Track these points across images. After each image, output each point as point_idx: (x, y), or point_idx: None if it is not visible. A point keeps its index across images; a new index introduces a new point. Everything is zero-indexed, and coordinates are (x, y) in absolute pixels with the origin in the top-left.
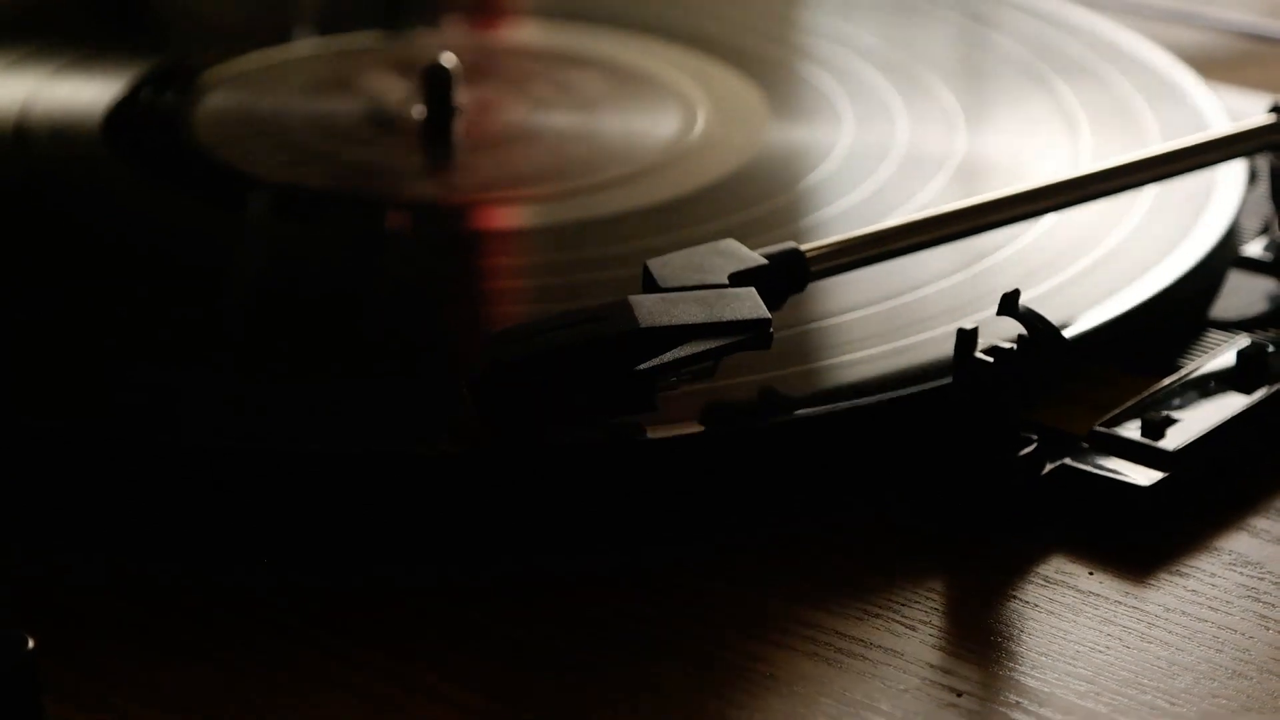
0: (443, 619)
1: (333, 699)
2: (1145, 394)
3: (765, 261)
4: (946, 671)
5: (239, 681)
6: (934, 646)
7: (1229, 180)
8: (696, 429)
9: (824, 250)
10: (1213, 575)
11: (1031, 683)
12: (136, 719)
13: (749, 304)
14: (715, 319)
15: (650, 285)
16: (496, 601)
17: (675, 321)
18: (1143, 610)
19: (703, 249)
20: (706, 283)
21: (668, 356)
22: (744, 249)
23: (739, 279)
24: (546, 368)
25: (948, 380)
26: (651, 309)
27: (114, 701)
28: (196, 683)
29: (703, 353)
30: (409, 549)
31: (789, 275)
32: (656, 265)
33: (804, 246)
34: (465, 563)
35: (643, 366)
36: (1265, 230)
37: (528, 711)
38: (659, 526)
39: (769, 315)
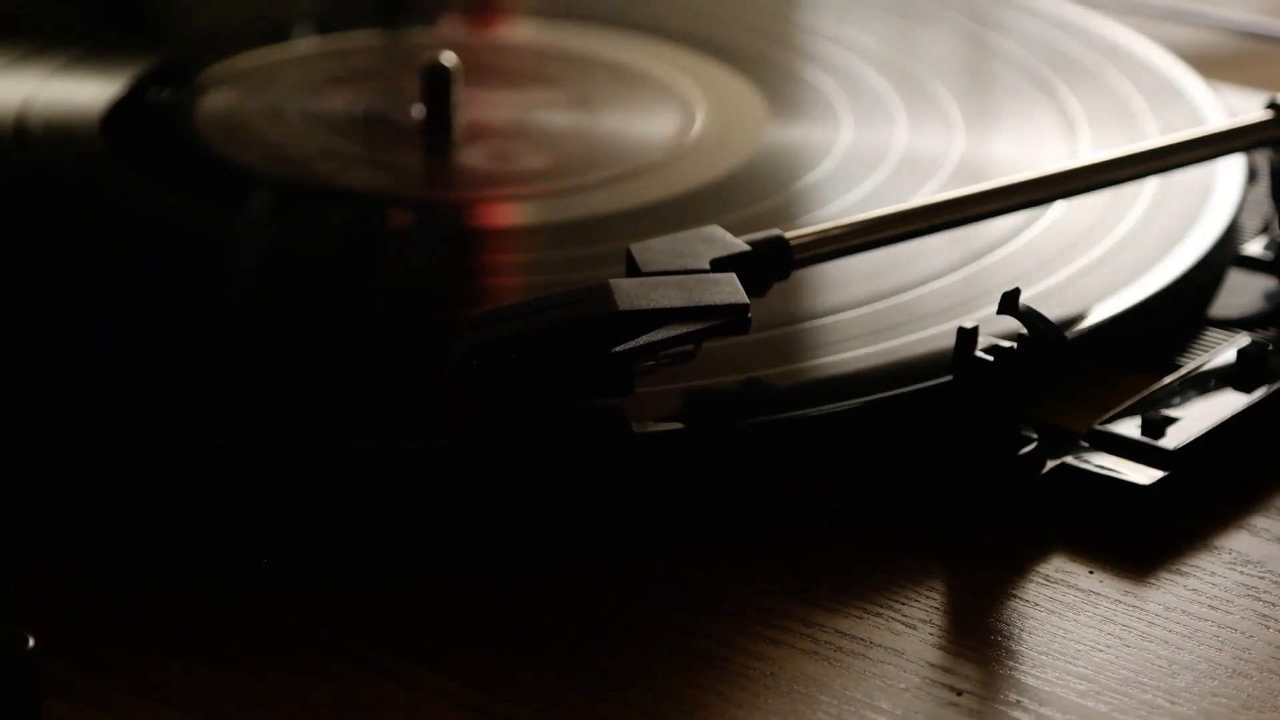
0: (440, 614)
1: (330, 694)
2: (1145, 393)
3: (748, 248)
4: (947, 670)
5: (238, 677)
6: (934, 645)
7: (1229, 178)
8: (694, 426)
9: (808, 238)
10: (1213, 574)
11: (1032, 681)
12: (136, 715)
13: (728, 289)
14: (693, 303)
15: (633, 269)
16: (489, 594)
17: (653, 305)
18: (1143, 609)
19: (686, 234)
20: (687, 268)
21: (644, 339)
22: (728, 235)
23: (721, 265)
24: (525, 349)
25: (948, 378)
26: (631, 292)
27: (113, 698)
28: (195, 679)
29: (680, 336)
30: (405, 544)
31: (773, 262)
32: (639, 250)
33: (789, 234)
34: (465, 557)
35: (619, 349)
36: (1265, 229)
37: (525, 706)
38: (655, 522)
39: (747, 300)
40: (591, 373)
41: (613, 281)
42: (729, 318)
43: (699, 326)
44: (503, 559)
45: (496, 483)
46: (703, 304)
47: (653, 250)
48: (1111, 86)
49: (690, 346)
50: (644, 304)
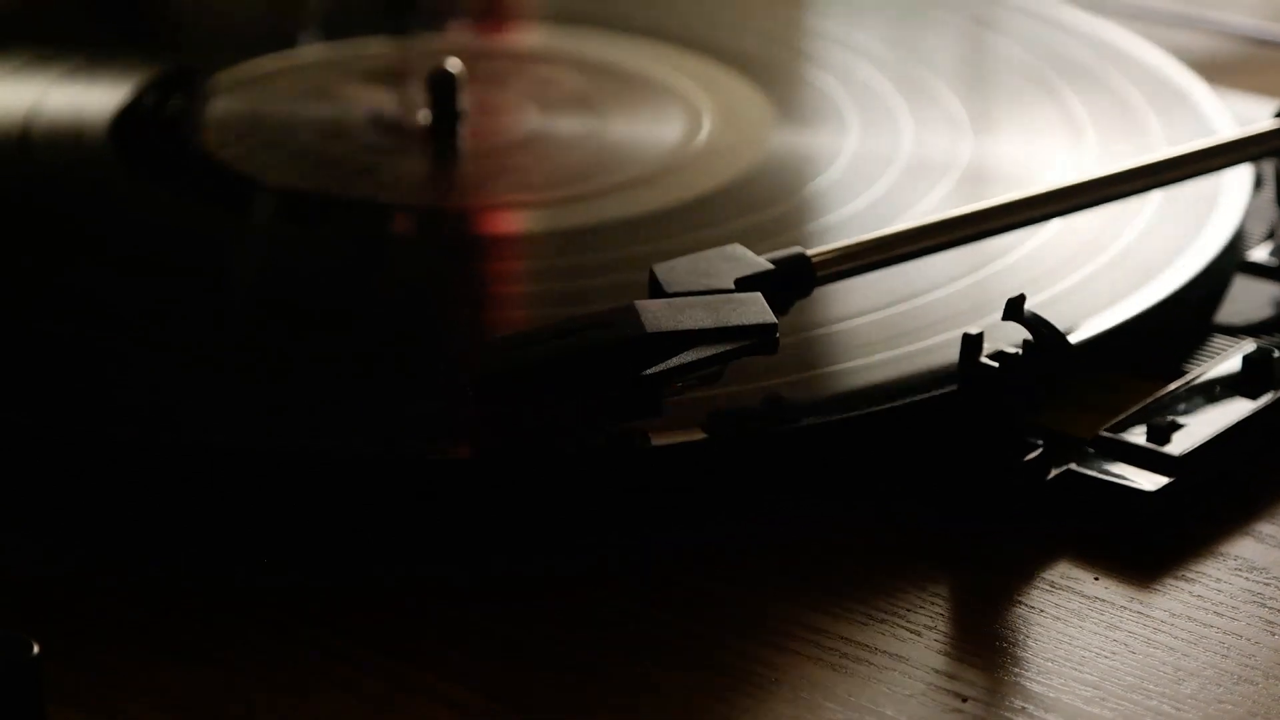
0: (443, 618)
1: (333, 699)
2: (1151, 399)
3: (771, 267)
4: (952, 677)
5: (240, 682)
6: (939, 651)
7: (1235, 185)
8: (702, 435)
9: (830, 255)
10: (1218, 580)
11: (1037, 688)
12: None
13: (755, 309)
14: (721, 324)
15: (656, 290)
16: (498, 601)
17: (682, 327)
18: (1148, 615)
19: (709, 254)
20: (712, 288)
21: (674, 362)
22: (750, 254)
23: (745, 284)
24: (553, 374)
25: (954, 387)
26: (658, 314)
27: (116, 703)
28: (198, 683)
29: (709, 358)
30: (409, 549)
31: (795, 280)
32: (663, 270)
33: (810, 251)
34: (467, 563)
35: (649, 372)
36: (1271, 235)
37: (527, 712)
38: (664, 529)
39: (775, 320)
40: (619, 395)
41: (638, 303)
42: (757, 338)
43: (728, 347)
44: (509, 565)
45: (505, 490)
46: (731, 324)
47: (676, 270)
48: (1118, 92)
49: (717, 367)
50: (672, 326)
